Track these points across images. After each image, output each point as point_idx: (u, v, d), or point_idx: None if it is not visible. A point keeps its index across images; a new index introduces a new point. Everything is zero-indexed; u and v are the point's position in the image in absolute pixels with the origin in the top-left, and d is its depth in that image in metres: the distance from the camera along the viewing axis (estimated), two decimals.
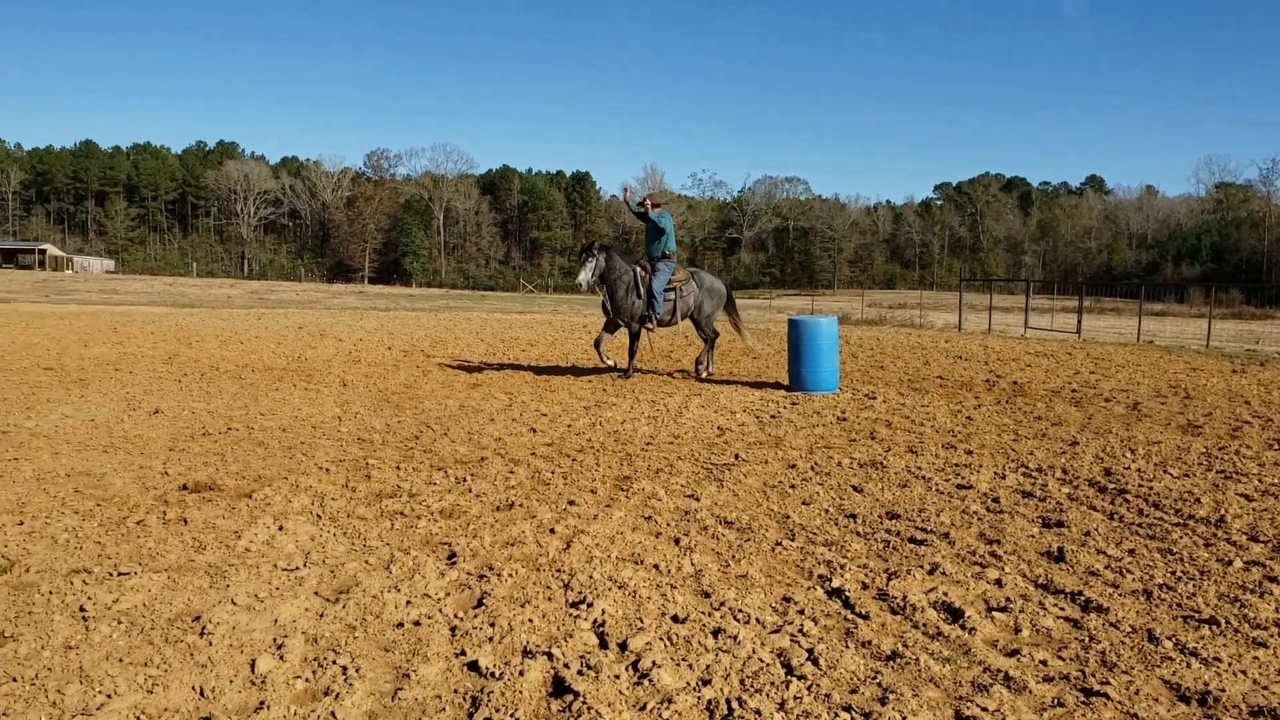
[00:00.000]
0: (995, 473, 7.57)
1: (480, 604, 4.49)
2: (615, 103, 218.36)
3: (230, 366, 14.47)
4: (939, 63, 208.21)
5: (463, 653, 3.92)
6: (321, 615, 4.31)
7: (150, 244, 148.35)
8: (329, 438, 8.79)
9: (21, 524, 5.72)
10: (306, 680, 3.65)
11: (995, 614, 4.40)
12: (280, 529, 5.69)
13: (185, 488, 6.67)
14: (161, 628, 4.12)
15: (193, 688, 3.56)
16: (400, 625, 4.22)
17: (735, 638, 4.05)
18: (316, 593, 4.62)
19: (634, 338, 14.09)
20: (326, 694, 3.53)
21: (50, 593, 4.54)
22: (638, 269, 13.88)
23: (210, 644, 3.95)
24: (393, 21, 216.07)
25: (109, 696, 3.46)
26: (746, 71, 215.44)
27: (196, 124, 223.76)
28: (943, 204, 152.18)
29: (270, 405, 10.64)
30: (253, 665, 3.76)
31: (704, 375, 14.16)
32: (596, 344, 14.26)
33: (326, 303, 47.36)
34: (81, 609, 4.31)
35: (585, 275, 13.62)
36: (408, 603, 4.49)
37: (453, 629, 4.18)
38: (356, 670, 3.71)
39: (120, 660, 3.77)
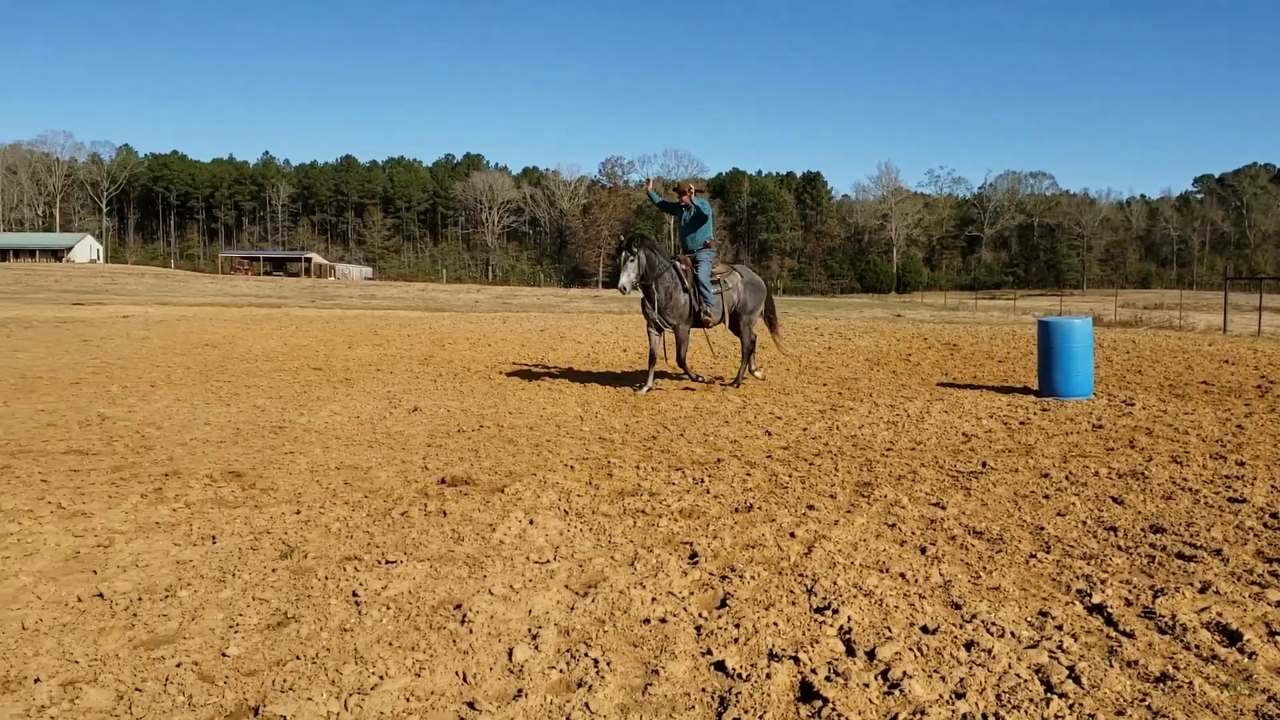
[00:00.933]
0: (1273, 486, 6.97)
1: (724, 604, 4.52)
2: (847, 101, 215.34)
3: (480, 367, 15.19)
4: (1197, 48, 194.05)
5: (709, 652, 3.96)
6: (572, 608, 4.45)
7: (404, 251, 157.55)
8: (572, 436, 9.07)
9: (299, 513, 6.19)
10: (560, 671, 3.78)
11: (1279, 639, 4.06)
12: (531, 523, 5.92)
13: (443, 481, 7.04)
14: (426, 614, 4.37)
15: (456, 673, 3.76)
16: (647, 621, 4.30)
17: (989, 651, 3.91)
18: (566, 586, 4.78)
19: (681, 341, 12.73)
20: (580, 685, 3.65)
21: (326, 578, 4.89)
22: (676, 263, 12.69)
23: (470, 632, 4.15)
24: (628, 30, 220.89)
25: (381, 678, 3.70)
26: (984, 64, 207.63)
27: (446, 138, 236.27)
28: (1203, 197, 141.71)
29: (518, 404, 11.10)
30: (510, 654, 3.92)
31: (735, 382, 13.07)
32: (680, 362, 12.96)
33: (564, 306, 48.95)
34: (354, 594, 4.63)
35: (627, 278, 12.25)
36: (653, 600, 4.58)
37: (698, 628, 4.22)
38: (608, 664, 3.81)
39: (390, 644, 4.03)
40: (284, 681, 3.66)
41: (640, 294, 12.60)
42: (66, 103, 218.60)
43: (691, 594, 4.68)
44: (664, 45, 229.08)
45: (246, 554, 5.31)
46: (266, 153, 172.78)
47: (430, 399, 11.51)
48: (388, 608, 4.44)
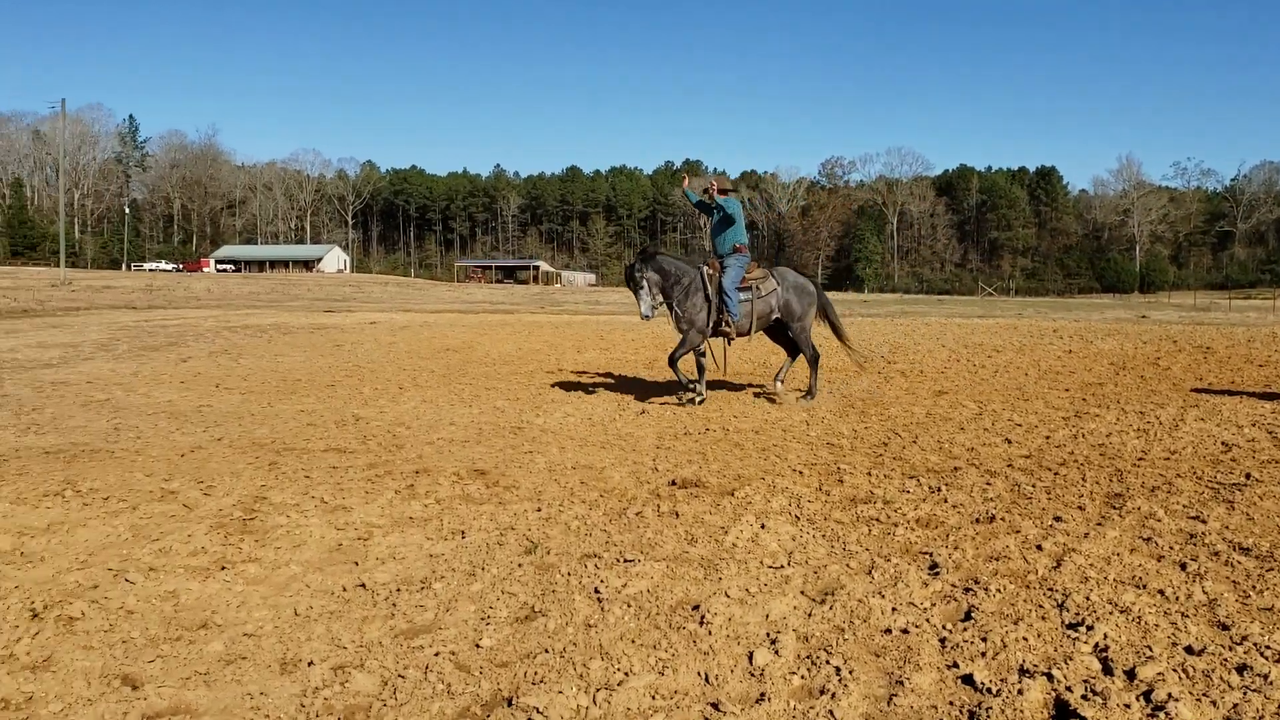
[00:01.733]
0: None
1: (968, 617, 4.38)
2: (1084, 92, 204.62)
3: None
4: None
5: (955, 665, 3.85)
6: (809, 615, 4.42)
7: (625, 257, 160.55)
8: (799, 441, 9.01)
9: (539, 510, 6.42)
10: (802, 677, 3.76)
11: None
12: (762, 527, 5.91)
13: (674, 483, 7.14)
14: (665, 614, 4.44)
15: (698, 673, 3.80)
16: (888, 631, 4.22)
17: (1265, 676, 3.62)
18: (802, 592, 4.75)
19: (684, 344, 11.61)
20: (822, 692, 3.62)
21: (568, 574, 5.05)
22: (704, 268, 11.69)
23: (710, 633, 4.19)
24: (847, 27, 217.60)
25: (626, 674, 3.78)
26: (1236, 48, 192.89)
27: (666, 145, 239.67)
28: None
29: (742, 408, 11.11)
30: (750, 657, 3.94)
31: (808, 393, 11.94)
32: (671, 362, 11.78)
33: None
34: (596, 591, 4.76)
35: (645, 306, 11.32)
36: (893, 610, 4.48)
37: (942, 640, 4.11)
38: (850, 672, 3.77)
39: (633, 641, 4.11)
40: (535, 674, 3.80)
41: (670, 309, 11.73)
42: (317, 123, 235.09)
43: (933, 605, 4.56)
44: (884, 40, 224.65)
45: (494, 549, 5.55)
46: (498, 165, 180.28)
47: (657, 401, 11.68)
48: (629, 605, 4.54)
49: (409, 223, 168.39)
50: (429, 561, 5.37)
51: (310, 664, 3.98)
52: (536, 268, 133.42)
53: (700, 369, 11.87)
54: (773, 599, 4.62)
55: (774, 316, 11.95)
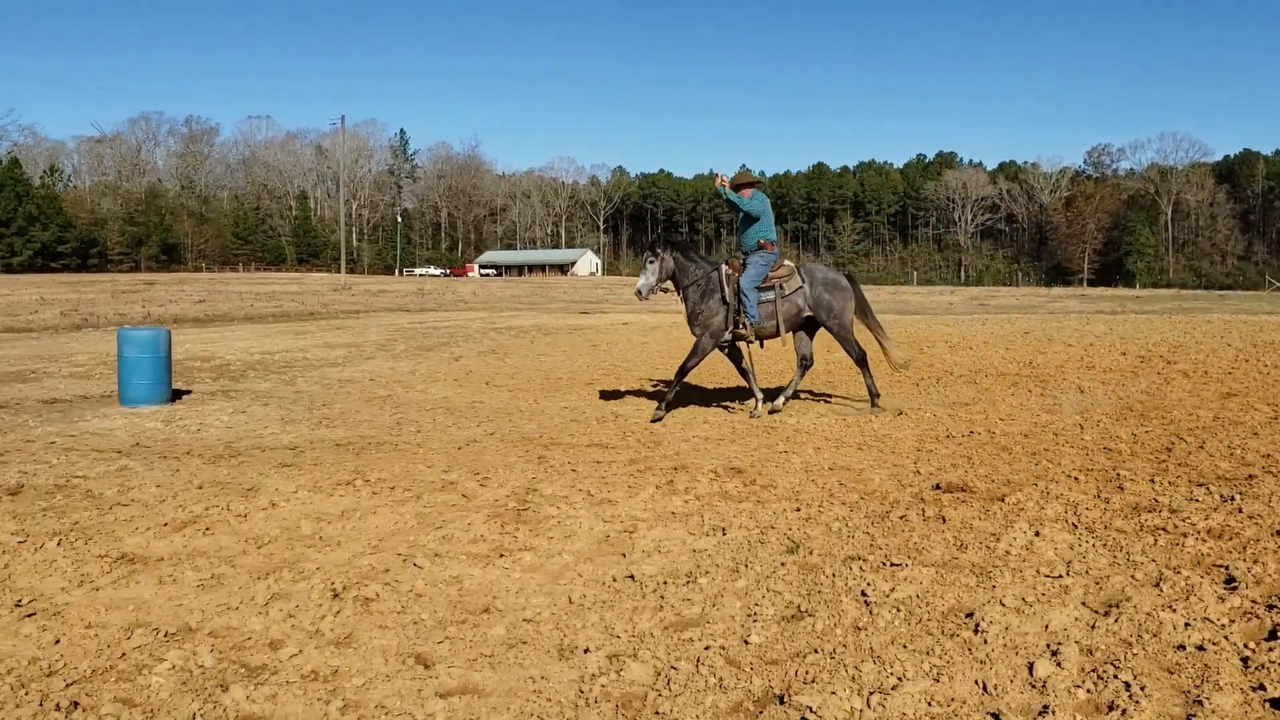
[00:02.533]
0: None
1: (1275, 636, 4.03)
2: None
3: (963, 371, 14.81)
4: None
5: (1261, 687, 3.55)
6: (1093, 627, 4.20)
7: (873, 255, 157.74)
8: (1072, 445, 8.56)
9: (799, 510, 6.39)
10: (1088, 691, 3.57)
11: None
12: (1036, 535, 5.65)
13: (938, 487, 6.94)
14: (937, 620, 4.32)
15: (975, 682, 3.68)
16: (1181, 648, 3.95)
17: None
18: (1084, 603, 4.51)
19: (697, 352, 10.77)
20: (1111, 708, 3.42)
21: (833, 575, 5.00)
22: (724, 267, 10.83)
23: (985, 642, 4.05)
24: (1109, 5, 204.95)
25: (900, 679, 3.71)
26: None
27: (917, 138, 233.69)
28: None
29: (1008, 410, 10.67)
30: (1030, 668, 3.77)
31: (875, 402, 11.01)
32: (681, 372, 10.96)
33: (1048, 306, 46.38)
34: (863, 593, 4.69)
35: (644, 281, 10.73)
36: (1186, 625, 4.19)
37: (1244, 660, 3.81)
38: (1141, 689, 3.55)
39: (904, 646, 4.03)
40: (805, 673, 3.80)
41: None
42: (572, 132, 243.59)
43: (1232, 622, 4.22)
44: (1153, 15, 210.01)
45: (755, 547, 5.58)
46: (743, 165, 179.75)
47: (914, 402, 11.39)
48: (898, 610, 4.45)
49: (657, 225, 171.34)
50: (693, 556, 5.46)
51: (586, 651, 4.13)
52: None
53: (745, 375, 11.13)
54: (1052, 609, 4.41)
55: (804, 315, 11.05)
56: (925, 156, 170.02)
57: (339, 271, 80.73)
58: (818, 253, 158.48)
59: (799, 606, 4.57)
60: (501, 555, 5.51)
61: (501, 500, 6.75)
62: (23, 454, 8.53)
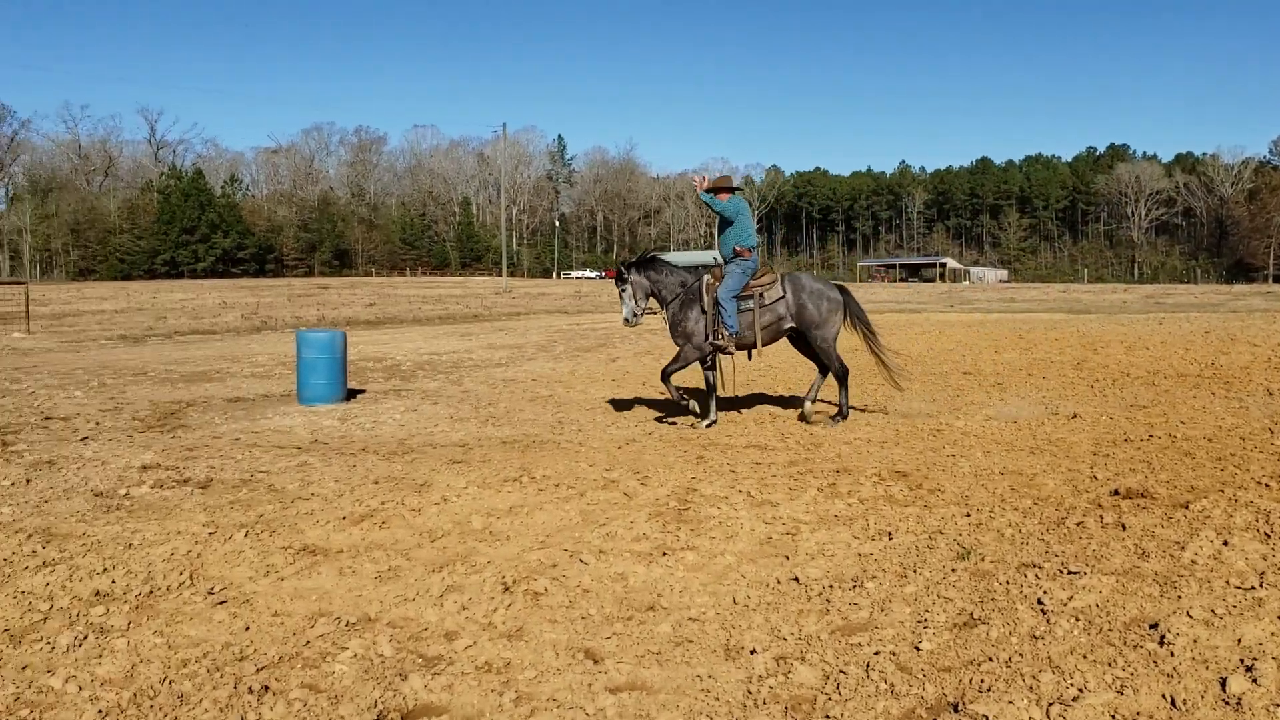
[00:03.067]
0: None
1: None
2: None
3: (1140, 372, 14.14)
4: None
5: None
6: None
7: (1040, 252, 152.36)
8: (1261, 450, 8.07)
9: (968, 516, 6.22)
10: None
11: None
12: (1225, 544, 5.35)
13: (1116, 493, 6.65)
14: (1119, 630, 4.14)
15: (1162, 695, 3.52)
16: None
17: None
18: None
19: (679, 359, 10.60)
20: None
21: (1007, 583, 4.85)
22: (706, 277, 10.43)
23: (1172, 654, 3.86)
24: None
25: (1080, 690, 3.57)
26: None
27: (1087, 130, 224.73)
28: None
29: (1190, 413, 10.14)
30: (1223, 684, 3.58)
31: (839, 414, 10.56)
32: (664, 376, 10.67)
33: (1230, 305, 43.85)
34: (1039, 601, 4.53)
35: (627, 308, 10.60)
36: None
37: None
38: None
39: (1085, 657, 3.88)
40: (980, 682, 3.70)
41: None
42: (725, 133, 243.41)
43: None
44: None
45: (924, 552, 5.46)
46: (902, 161, 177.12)
47: (1090, 405, 10.94)
48: (1076, 619, 4.28)
49: (812, 224, 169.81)
50: (858, 560, 5.38)
51: (753, 652, 4.12)
52: (943, 265, 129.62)
53: (709, 386, 10.72)
54: (1244, 622, 4.17)
55: (787, 326, 10.67)
56: (1095, 149, 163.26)
57: (500, 275, 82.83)
58: (982, 250, 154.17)
59: (971, 614, 4.45)
60: (664, 554, 5.55)
61: (662, 499, 6.79)
62: (210, 450, 9.04)
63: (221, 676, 4.01)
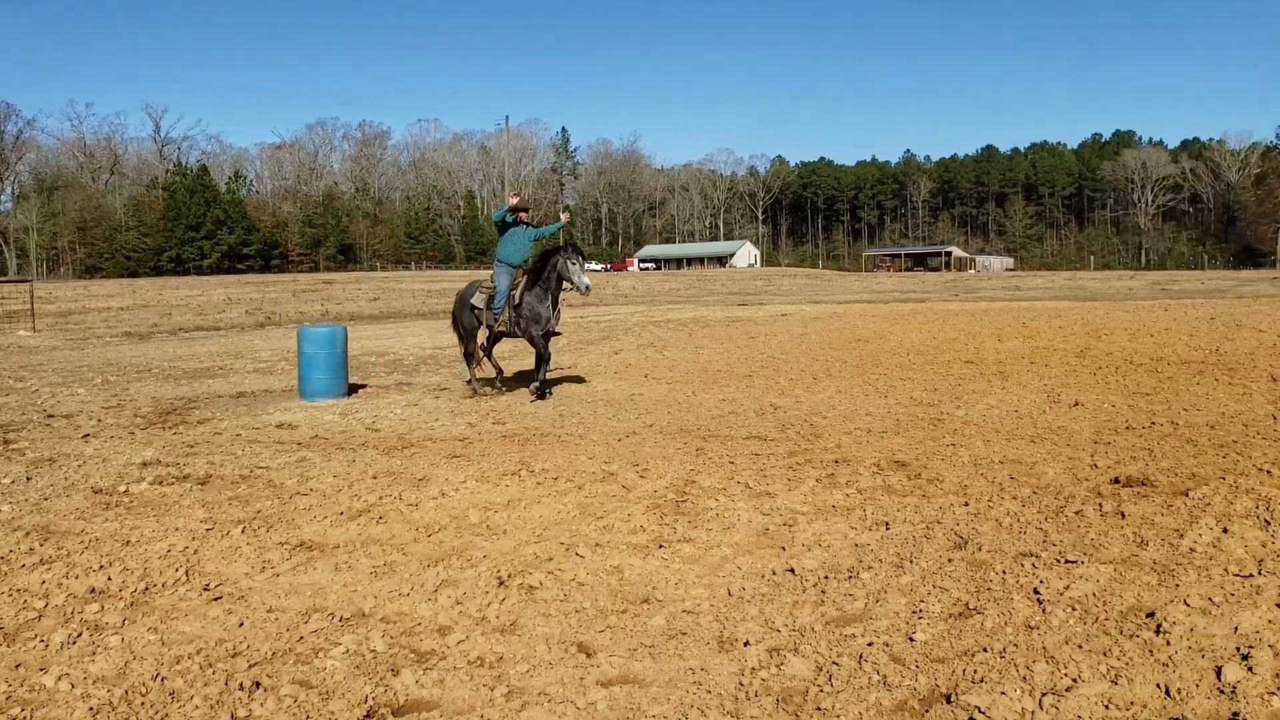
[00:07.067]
0: None
1: None
2: None
3: (1144, 359, 14.08)
4: None
5: None
6: None
7: (1046, 240, 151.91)
8: (1264, 437, 8.04)
9: (967, 505, 6.20)
10: None
11: None
12: (1224, 531, 5.33)
13: (1116, 481, 6.61)
14: (1115, 619, 4.12)
15: (1157, 685, 3.50)
16: None
17: None
18: (1278, 605, 4.22)
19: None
20: None
21: (1004, 572, 4.83)
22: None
23: (1168, 643, 3.84)
24: None
25: (1075, 680, 3.55)
26: None
27: (1093, 117, 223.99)
28: None
29: (1193, 400, 10.10)
30: (1219, 672, 3.56)
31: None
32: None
33: (1236, 290, 43.67)
34: (1035, 591, 4.51)
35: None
36: None
37: None
38: None
39: (1079, 646, 3.86)
40: (974, 672, 3.68)
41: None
42: (730, 123, 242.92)
43: None
44: None
45: (920, 542, 5.44)
46: (907, 150, 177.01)
47: (1091, 393, 10.90)
48: (1072, 608, 4.26)
49: (816, 214, 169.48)
50: (855, 551, 5.36)
51: (746, 644, 4.11)
52: (948, 253, 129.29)
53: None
54: (1242, 610, 4.15)
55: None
56: (1101, 136, 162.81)
57: None
58: (987, 238, 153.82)
59: (967, 604, 4.43)
60: (661, 546, 5.54)
61: (660, 492, 6.78)
62: (211, 445, 9.04)
63: (213, 673, 4.00)
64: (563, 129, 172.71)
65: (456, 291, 13.54)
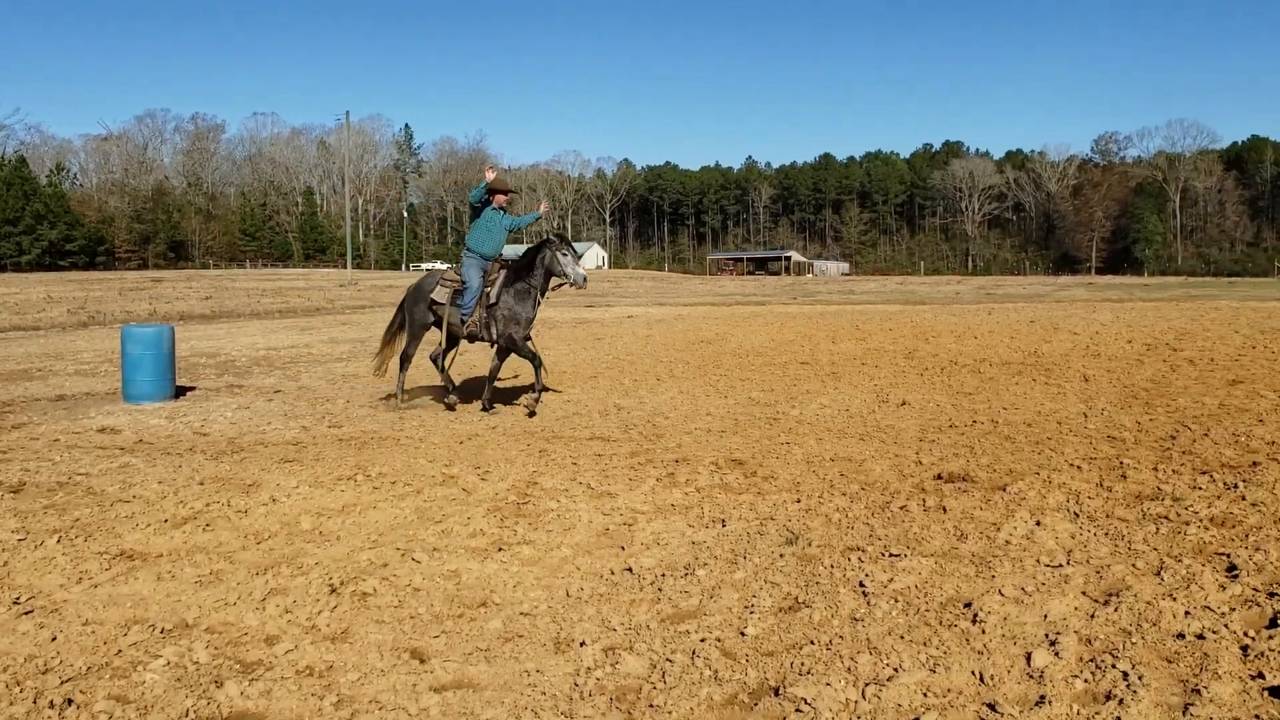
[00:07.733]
0: None
1: (1275, 624, 4.00)
2: None
3: (968, 360, 14.76)
4: None
5: (1260, 675, 3.53)
6: (1092, 616, 4.17)
7: (880, 245, 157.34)
8: (1076, 434, 8.52)
9: (799, 501, 6.37)
10: (1085, 681, 3.55)
11: None
12: (1038, 524, 5.63)
13: (940, 477, 6.91)
14: (935, 610, 4.30)
15: (972, 672, 3.66)
16: (1181, 636, 3.93)
17: None
18: (1084, 593, 4.48)
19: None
20: (1109, 698, 3.40)
21: (831, 566, 4.98)
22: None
23: (983, 632, 4.03)
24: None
25: (896, 670, 3.69)
26: None
27: (924, 128, 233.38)
28: None
29: (1012, 399, 10.63)
30: (1028, 658, 3.75)
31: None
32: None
33: (1055, 295, 46.25)
34: (861, 584, 4.67)
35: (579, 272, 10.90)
36: (1186, 613, 4.16)
37: (1244, 648, 3.78)
38: (1139, 678, 3.52)
39: (901, 637, 4.01)
40: (801, 665, 3.78)
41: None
42: (577, 125, 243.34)
43: (1233, 610, 4.20)
44: (1156, 3, 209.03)
45: (754, 538, 5.56)
46: (749, 157, 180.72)
47: (918, 393, 11.35)
48: (895, 600, 4.43)
49: (663, 218, 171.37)
50: (691, 549, 5.44)
51: (582, 644, 4.12)
52: (788, 258, 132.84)
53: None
54: (1051, 599, 4.39)
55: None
56: (932, 146, 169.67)
57: (345, 267, 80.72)
58: (825, 243, 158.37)
59: (796, 598, 4.55)
60: (500, 549, 5.50)
61: (502, 494, 6.73)
62: (26, 451, 8.54)
63: (21, 691, 3.77)
64: (406, 126, 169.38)
65: (408, 285, 11.99)
